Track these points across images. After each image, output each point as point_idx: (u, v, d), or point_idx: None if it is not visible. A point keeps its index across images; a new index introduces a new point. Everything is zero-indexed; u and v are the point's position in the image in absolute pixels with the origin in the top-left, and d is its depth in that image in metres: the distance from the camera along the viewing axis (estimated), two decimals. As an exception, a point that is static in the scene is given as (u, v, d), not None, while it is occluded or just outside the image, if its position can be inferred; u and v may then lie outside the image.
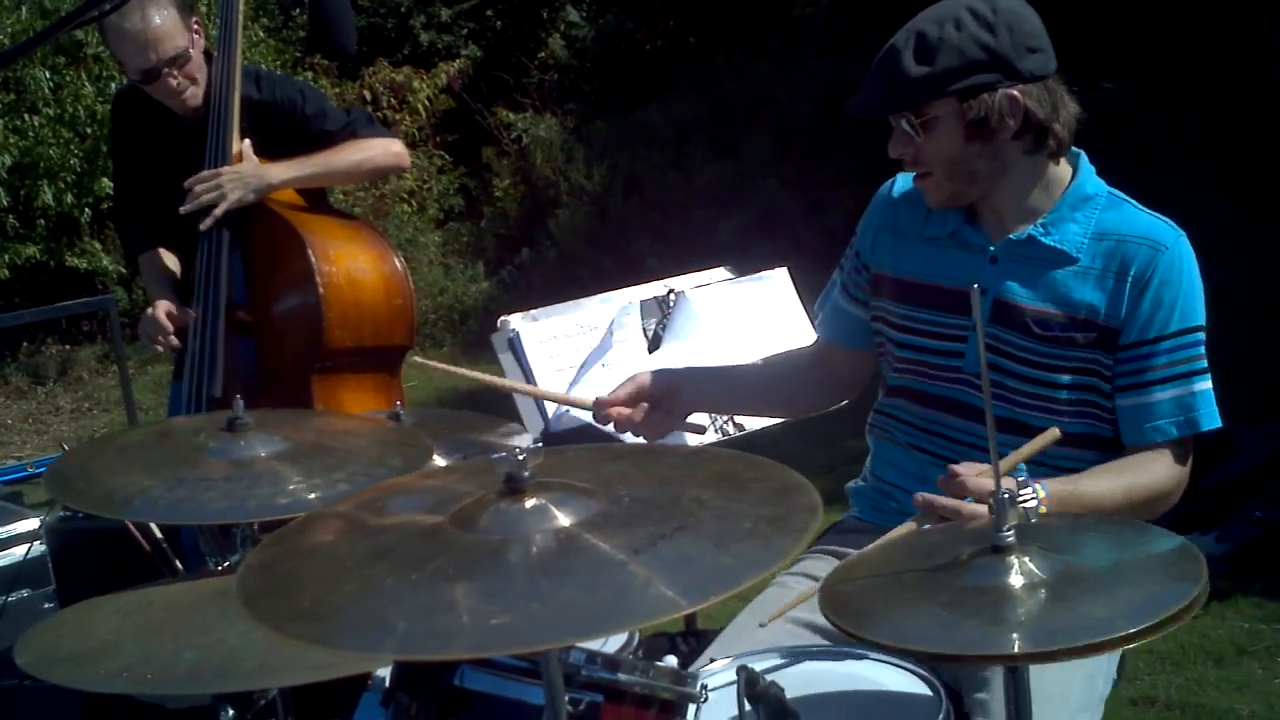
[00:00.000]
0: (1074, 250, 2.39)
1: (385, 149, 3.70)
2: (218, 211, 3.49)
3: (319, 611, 1.46)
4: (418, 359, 2.99)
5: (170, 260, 3.74)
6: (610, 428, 2.61)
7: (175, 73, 3.52)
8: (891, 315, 2.57)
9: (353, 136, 3.65)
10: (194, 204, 3.48)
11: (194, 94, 3.59)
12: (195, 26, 3.58)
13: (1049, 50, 2.36)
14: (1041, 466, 2.34)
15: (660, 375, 2.63)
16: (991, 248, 2.45)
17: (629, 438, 2.63)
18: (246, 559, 1.64)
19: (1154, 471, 2.36)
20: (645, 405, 2.58)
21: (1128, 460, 2.38)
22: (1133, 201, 2.45)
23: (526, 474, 1.58)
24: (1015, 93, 2.33)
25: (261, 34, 10.58)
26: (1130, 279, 2.35)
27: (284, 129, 3.63)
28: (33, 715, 3.62)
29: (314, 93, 3.76)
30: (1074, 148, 2.45)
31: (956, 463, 2.46)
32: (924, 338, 2.52)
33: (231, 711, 2.41)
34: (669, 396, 2.61)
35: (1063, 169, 2.44)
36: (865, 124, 2.48)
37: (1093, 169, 2.46)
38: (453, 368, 2.72)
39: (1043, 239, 2.41)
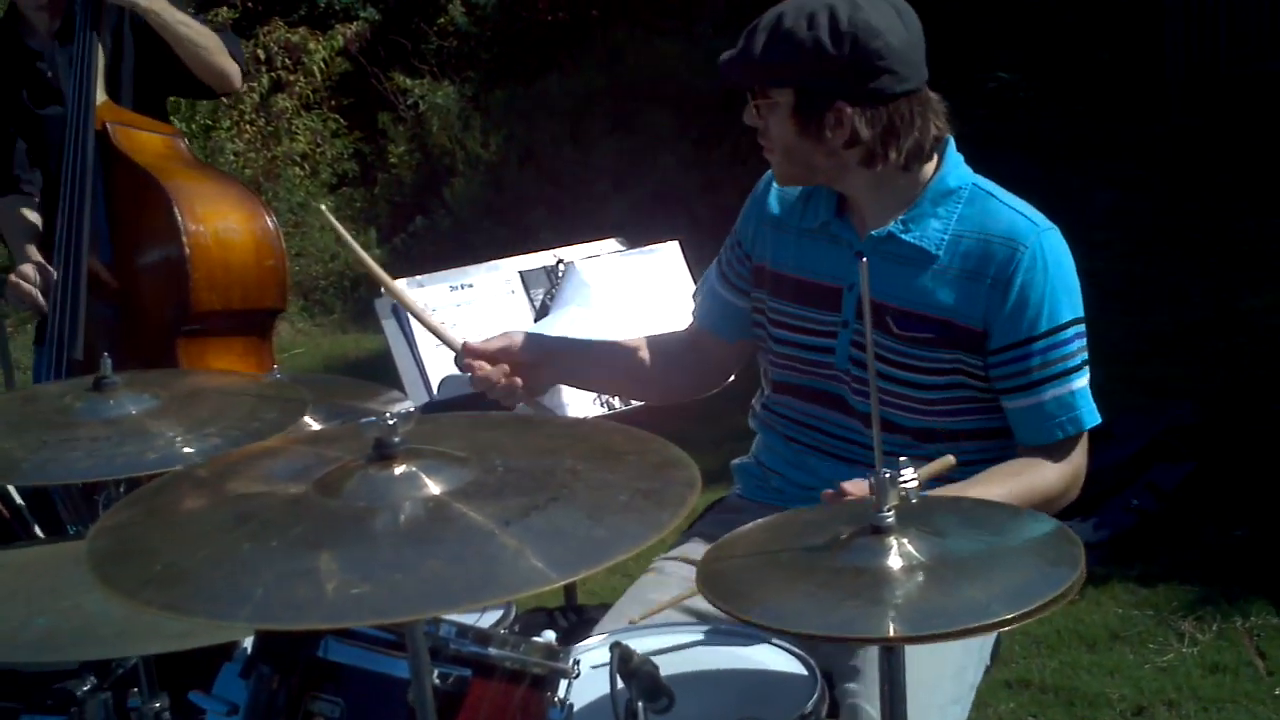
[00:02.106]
0: (934, 248, 2.35)
1: (230, 61, 3.62)
2: None
3: (171, 577, 1.41)
4: (321, 207, 2.88)
5: (32, 215, 3.62)
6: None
7: None
8: (768, 309, 2.54)
9: (219, 33, 3.61)
10: None
11: None
12: None
13: (904, 71, 2.29)
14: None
15: (531, 340, 2.56)
16: (857, 244, 2.42)
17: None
18: (100, 521, 1.57)
19: (1045, 474, 2.34)
20: (506, 368, 2.51)
21: (1018, 463, 2.36)
22: (999, 194, 2.39)
23: (397, 440, 1.53)
24: (845, 109, 2.29)
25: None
26: (989, 280, 2.31)
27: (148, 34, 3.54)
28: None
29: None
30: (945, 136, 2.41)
31: (833, 455, 2.46)
32: (797, 333, 2.49)
33: (93, 678, 2.33)
34: (534, 367, 2.54)
35: (925, 165, 2.39)
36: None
37: (960, 158, 2.41)
38: (347, 236, 2.59)
39: (903, 235, 2.37)
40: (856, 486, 2.13)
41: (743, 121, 2.40)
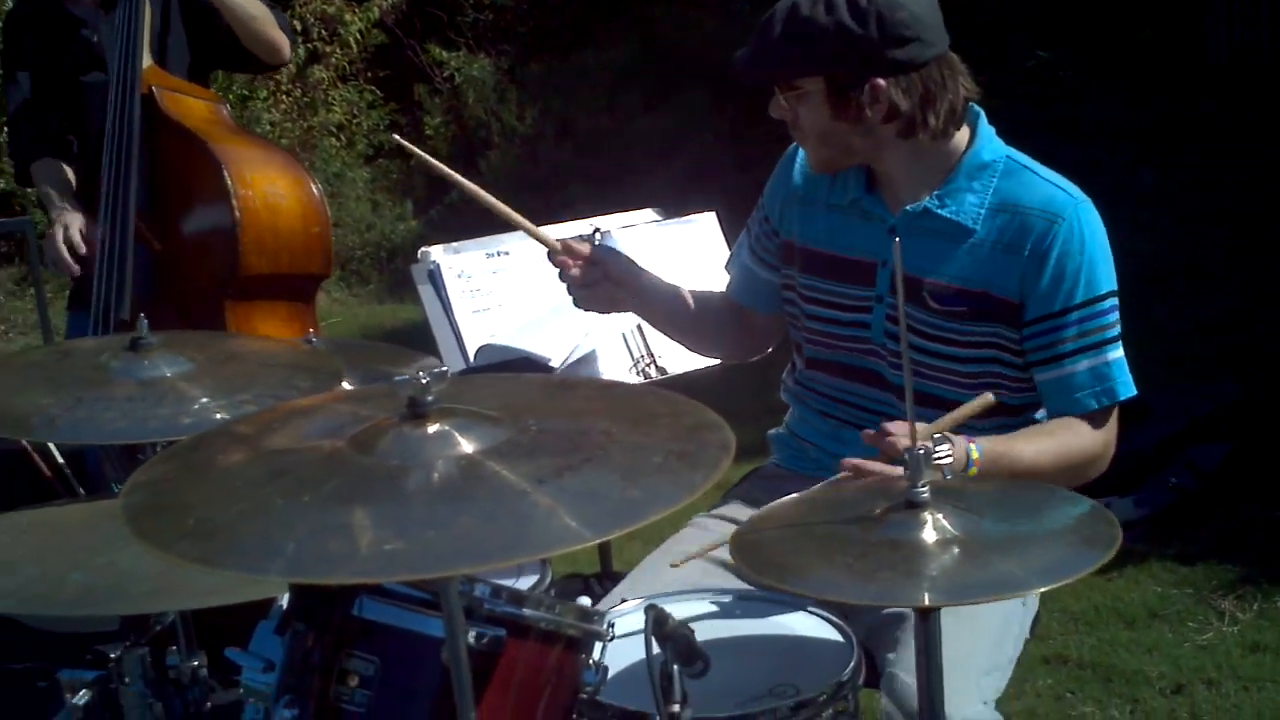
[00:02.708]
0: (970, 222, 2.34)
1: (281, 34, 3.62)
2: None
3: (205, 530, 1.41)
4: (396, 137, 2.87)
5: (70, 175, 3.63)
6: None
7: None
8: (799, 285, 2.53)
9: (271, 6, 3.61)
10: None
11: None
12: None
13: (929, 36, 2.29)
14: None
15: (620, 260, 2.57)
16: (891, 219, 2.41)
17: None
18: (134, 476, 1.57)
19: (1083, 434, 2.34)
20: (596, 272, 2.52)
21: (1059, 421, 2.36)
22: (1033, 166, 2.39)
23: (430, 398, 1.53)
24: (879, 83, 2.28)
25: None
26: (1027, 252, 2.30)
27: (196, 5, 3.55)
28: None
29: None
30: (974, 105, 2.39)
31: (867, 429, 2.44)
32: (830, 309, 2.49)
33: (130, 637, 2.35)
34: (617, 282, 2.55)
35: (959, 136, 2.38)
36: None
37: (992, 131, 2.41)
38: (430, 159, 2.59)
39: (938, 211, 2.36)
40: (899, 428, 2.13)
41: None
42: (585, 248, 2.53)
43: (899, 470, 2.06)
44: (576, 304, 2.58)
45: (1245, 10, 9.59)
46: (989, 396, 2.22)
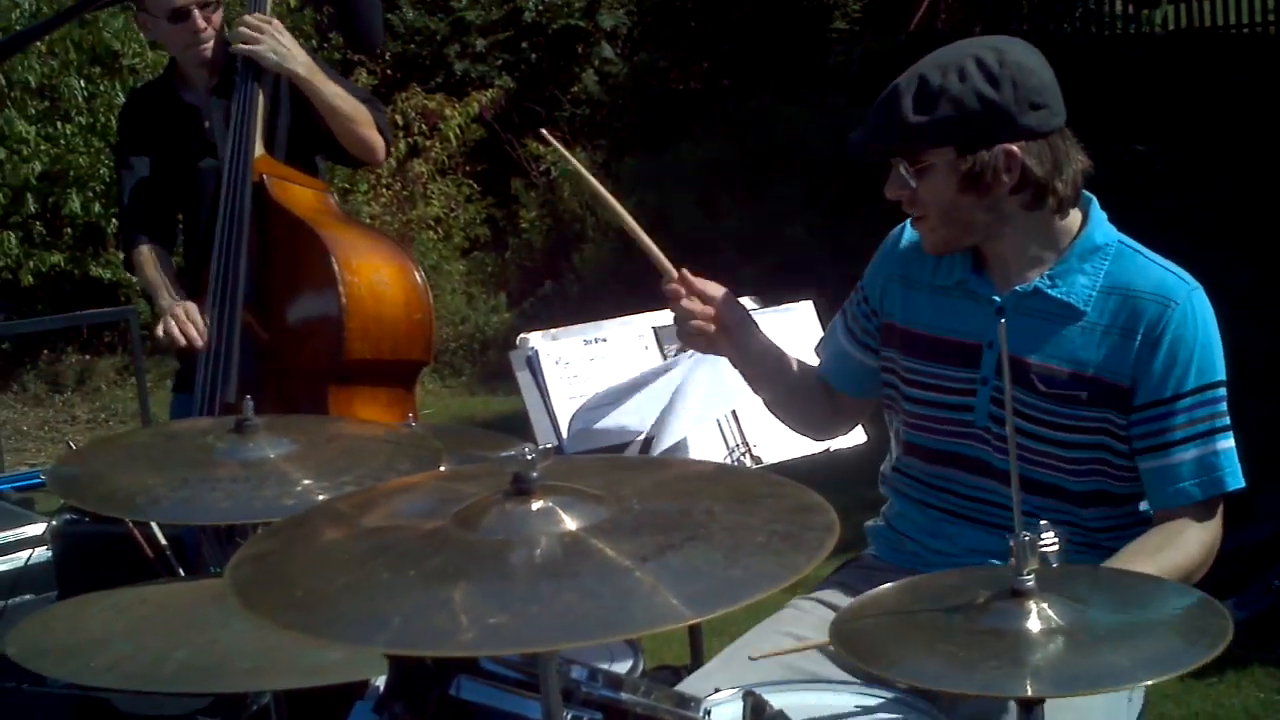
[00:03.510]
0: (1082, 304, 2.32)
1: (377, 136, 3.69)
2: (242, 47, 3.51)
3: (311, 602, 1.42)
4: (543, 130, 2.89)
5: (172, 264, 3.72)
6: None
7: (203, 16, 3.56)
8: (900, 368, 2.51)
9: (367, 103, 3.67)
10: (238, 39, 3.52)
11: (210, 44, 3.62)
12: None
13: (1055, 105, 2.29)
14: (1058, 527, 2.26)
15: (735, 304, 2.55)
16: (998, 299, 2.38)
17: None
18: (242, 549, 1.60)
19: (1186, 544, 2.28)
20: (710, 311, 2.50)
21: (1158, 535, 2.30)
22: (1145, 251, 2.36)
23: (535, 475, 1.54)
24: (1014, 149, 2.26)
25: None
26: (1140, 336, 2.27)
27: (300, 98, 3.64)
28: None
29: (328, 67, 3.75)
30: (1085, 192, 2.38)
31: (969, 519, 2.41)
32: (933, 391, 2.46)
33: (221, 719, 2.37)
34: (726, 327, 2.52)
35: (1071, 218, 2.37)
36: (888, 172, 2.41)
37: (1104, 216, 2.39)
38: (572, 158, 2.62)
39: (1049, 291, 2.34)
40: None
41: (881, 193, 2.38)
42: (707, 285, 2.52)
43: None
44: (679, 336, 2.57)
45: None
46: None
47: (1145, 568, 2.19)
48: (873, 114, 2.35)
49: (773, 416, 2.78)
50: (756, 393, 2.73)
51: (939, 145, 2.29)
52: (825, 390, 2.69)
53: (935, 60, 2.30)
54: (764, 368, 2.64)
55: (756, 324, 2.60)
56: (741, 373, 2.70)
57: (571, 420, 3.11)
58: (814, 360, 2.74)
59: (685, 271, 2.52)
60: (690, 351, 3.08)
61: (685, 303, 2.50)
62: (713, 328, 2.50)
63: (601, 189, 2.56)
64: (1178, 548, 2.27)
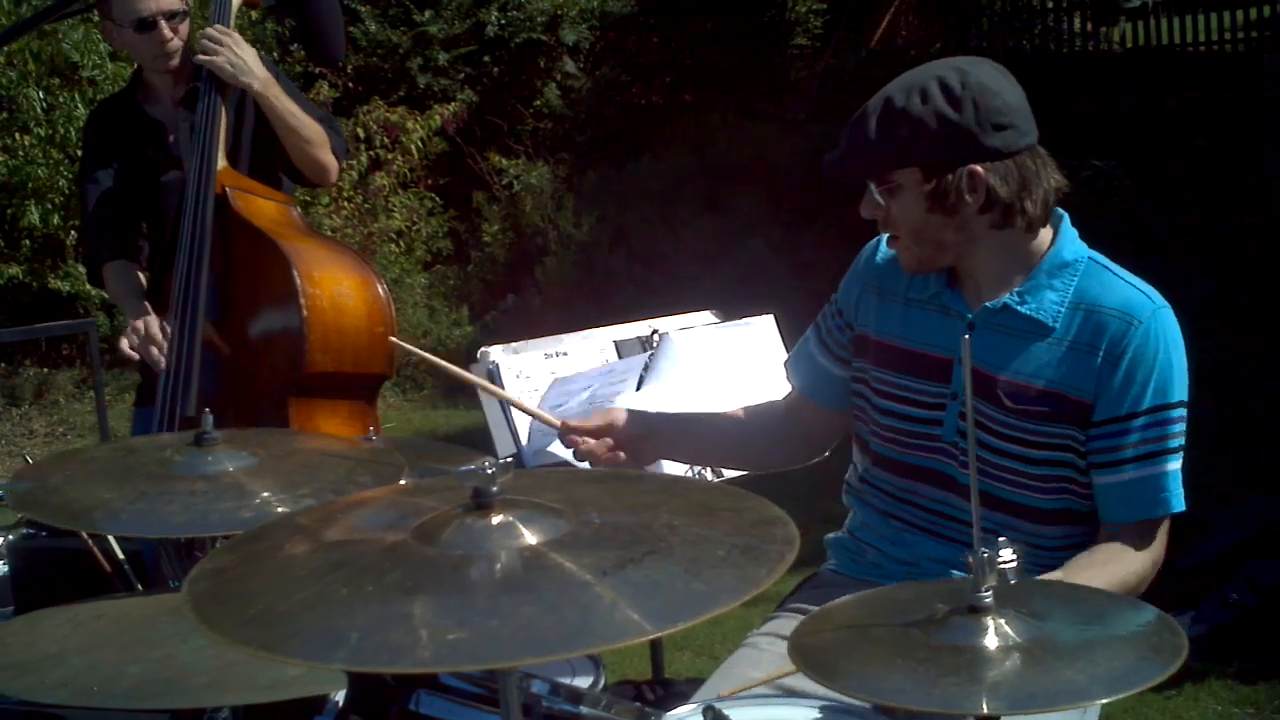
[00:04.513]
0: (1050, 320, 2.33)
1: (330, 157, 3.68)
2: (201, 58, 3.50)
3: (269, 618, 1.41)
4: (394, 339, 2.93)
5: (143, 278, 3.69)
6: (570, 454, 2.57)
7: (169, 26, 3.56)
8: (871, 379, 2.52)
9: (323, 124, 3.66)
10: (199, 50, 3.51)
11: (176, 54, 3.61)
12: None
13: (1023, 125, 2.30)
14: (1016, 544, 2.28)
15: (634, 417, 2.59)
16: (969, 315, 2.40)
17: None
18: (199, 564, 1.58)
19: (1131, 562, 2.30)
20: (610, 441, 2.56)
21: (1103, 551, 2.32)
22: (1115, 268, 2.38)
23: (495, 489, 1.53)
24: (978, 169, 2.28)
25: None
26: (1103, 352, 2.29)
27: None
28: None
29: (289, 82, 3.74)
30: (1057, 209, 2.39)
31: (932, 533, 2.42)
32: (903, 404, 2.46)
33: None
34: (638, 440, 2.58)
35: (1042, 235, 2.38)
36: (855, 189, 2.43)
37: (1074, 233, 2.40)
38: (428, 355, 2.66)
39: (1018, 308, 2.35)
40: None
41: (840, 208, 2.39)
42: (593, 420, 2.57)
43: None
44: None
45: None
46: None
47: (1092, 578, 2.22)
48: (845, 135, 2.37)
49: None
50: (711, 465, 2.78)
51: (903, 166, 2.31)
52: (792, 415, 2.70)
53: (902, 82, 2.32)
54: (702, 442, 2.72)
55: (664, 414, 2.66)
56: (683, 460, 2.76)
57: (533, 455, 3.10)
58: (778, 378, 2.75)
59: (567, 421, 2.60)
60: (655, 371, 3.09)
61: (584, 448, 2.57)
62: (622, 455, 2.57)
63: (459, 371, 2.66)
64: (1124, 564, 2.29)
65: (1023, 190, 2.30)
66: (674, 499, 1.72)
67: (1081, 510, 2.37)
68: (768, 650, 2.45)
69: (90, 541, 3.16)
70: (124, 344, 3.50)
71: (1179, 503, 2.31)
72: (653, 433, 2.61)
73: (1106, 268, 2.37)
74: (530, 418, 2.81)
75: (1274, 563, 4.71)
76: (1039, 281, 2.36)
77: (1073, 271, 2.36)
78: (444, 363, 2.67)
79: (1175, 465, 2.30)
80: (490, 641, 1.34)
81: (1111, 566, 2.28)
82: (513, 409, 3.07)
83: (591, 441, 2.55)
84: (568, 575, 1.45)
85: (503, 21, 11.68)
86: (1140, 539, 2.31)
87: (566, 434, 2.56)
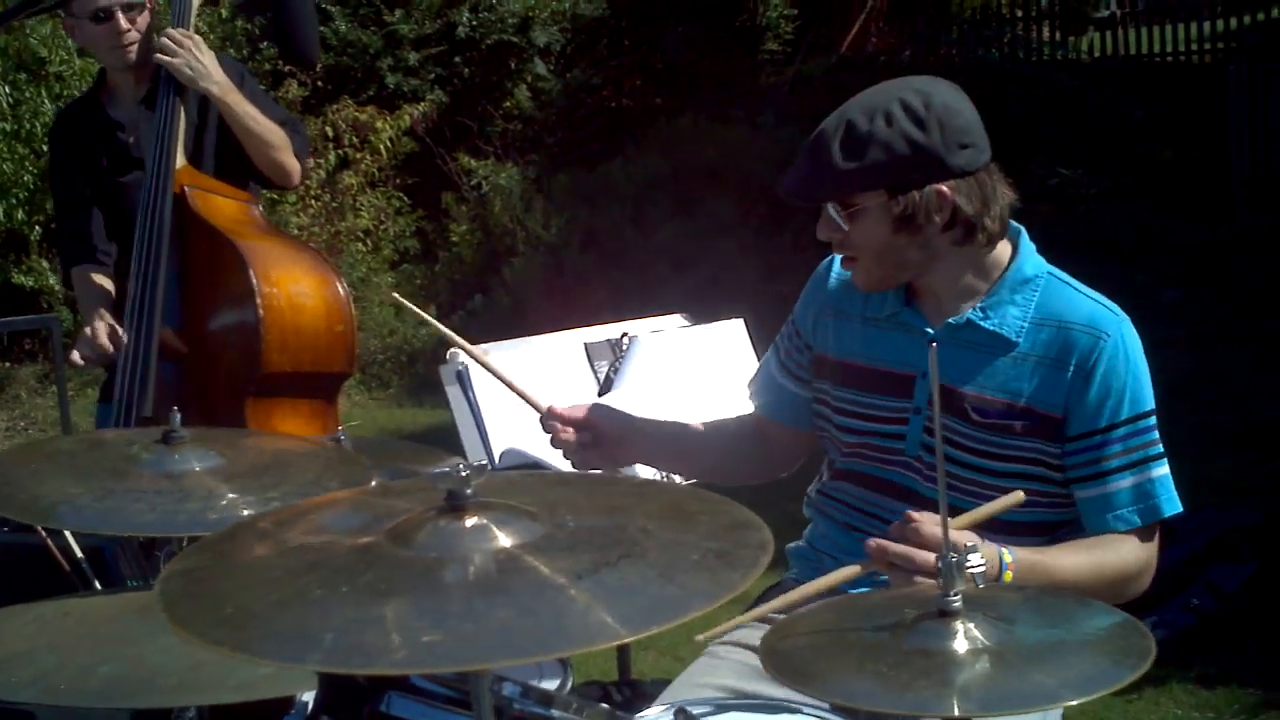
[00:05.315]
0: (1014, 335, 2.34)
1: (292, 160, 3.67)
2: (161, 57, 3.48)
3: (242, 619, 1.40)
4: (395, 294, 2.90)
5: (106, 282, 3.68)
6: (540, 455, 2.57)
7: (126, 18, 3.54)
8: (832, 399, 2.52)
9: (285, 126, 3.65)
10: (159, 49, 3.49)
11: (134, 47, 3.59)
12: None
13: (981, 143, 2.32)
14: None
15: (613, 416, 2.59)
16: (930, 331, 2.41)
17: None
18: (170, 565, 1.58)
19: (1123, 551, 2.31)
20: (588, 435, 2.55)
21: (1096, 538, 2.33)
22: (1073, 283, 2.40)
23: (469, 491, 1.53)
24: (944, 189, 2.29)
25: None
26: (1073, 367, 2.30)
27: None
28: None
29: (255, 82, 3.74)
30: (1014, 223, 2.41)
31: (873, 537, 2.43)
32: (865, 421, 2.47)
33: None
34: (614, 440, 2.57)
35: (1000, 250, 2.40)
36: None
37: (1033, 247, 2.42)
38: (424, 314, 2.63)
39: (981, 323, 2.36)
40: (927, 518, 2.11)
41: (802, 210, 2.39)
42: (577, 411, 2.56)
43: (926, 556, 2.05)
44: (575, 467, 2.59)
45: (1267, 127, 9.69)
46: (1019, 494, 2.19)
47: (1082, 558, 2.25)
48: (802, 159, 2.36)
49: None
50: (677, 473, 2.78)
51: (870, 189, 2.31)
52: (758, 431, 2.70)
53: (861, 104, 2.32)
54: (672, 450, 2.71)
55: (641, 419, 2.65)
56: (652, 466, 2.75)
57: (503, 455, 3.09)
58: (748, 383, 2.75)
59: (553, 406, 2.57)
60: (624, 374, 3.09)
61: (562, 437, 2.56)
62: (595, 455, 2.56)
63: (453, 335, 2.60)
64: (1115, 550, 2.31)
65: (985, 206, 2.32)
66: (648, 503, 1.72)
67: (1051, 521, 2.38)
68: (727, 658, 2.45)
69: (47, 537, 3.13)
70: (75, 355, 3.49)
71: (1174, 505, 2.32)
72: (633, 436, 2.60)
73: (1066, 283, 2.39)
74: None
75: (1235, 569, 4.75)
76: (1001, 297, 2.37)
77: (1034, 287, 2.37)
78: (443, 327, 2.63)
79: (1163, 470, 2.33)
80: (464, 644, 1.34)
81: (1099, 551, 2.30)
82: (481, 409, 3.08)
83: (571, 432, 2.54)
84: (542, 578, 1.45)
85: (474, 22, 11.65)
86: (1135, 541, 2.32)
87: (549, 419, 2.54)
